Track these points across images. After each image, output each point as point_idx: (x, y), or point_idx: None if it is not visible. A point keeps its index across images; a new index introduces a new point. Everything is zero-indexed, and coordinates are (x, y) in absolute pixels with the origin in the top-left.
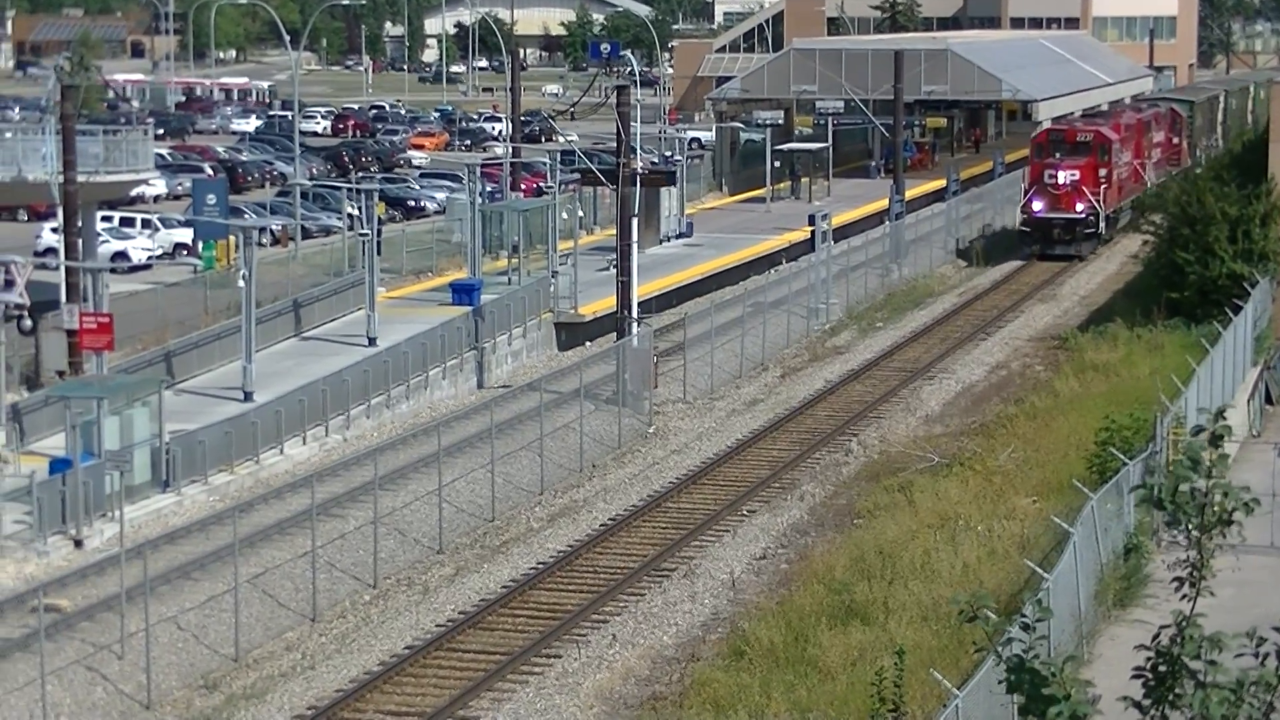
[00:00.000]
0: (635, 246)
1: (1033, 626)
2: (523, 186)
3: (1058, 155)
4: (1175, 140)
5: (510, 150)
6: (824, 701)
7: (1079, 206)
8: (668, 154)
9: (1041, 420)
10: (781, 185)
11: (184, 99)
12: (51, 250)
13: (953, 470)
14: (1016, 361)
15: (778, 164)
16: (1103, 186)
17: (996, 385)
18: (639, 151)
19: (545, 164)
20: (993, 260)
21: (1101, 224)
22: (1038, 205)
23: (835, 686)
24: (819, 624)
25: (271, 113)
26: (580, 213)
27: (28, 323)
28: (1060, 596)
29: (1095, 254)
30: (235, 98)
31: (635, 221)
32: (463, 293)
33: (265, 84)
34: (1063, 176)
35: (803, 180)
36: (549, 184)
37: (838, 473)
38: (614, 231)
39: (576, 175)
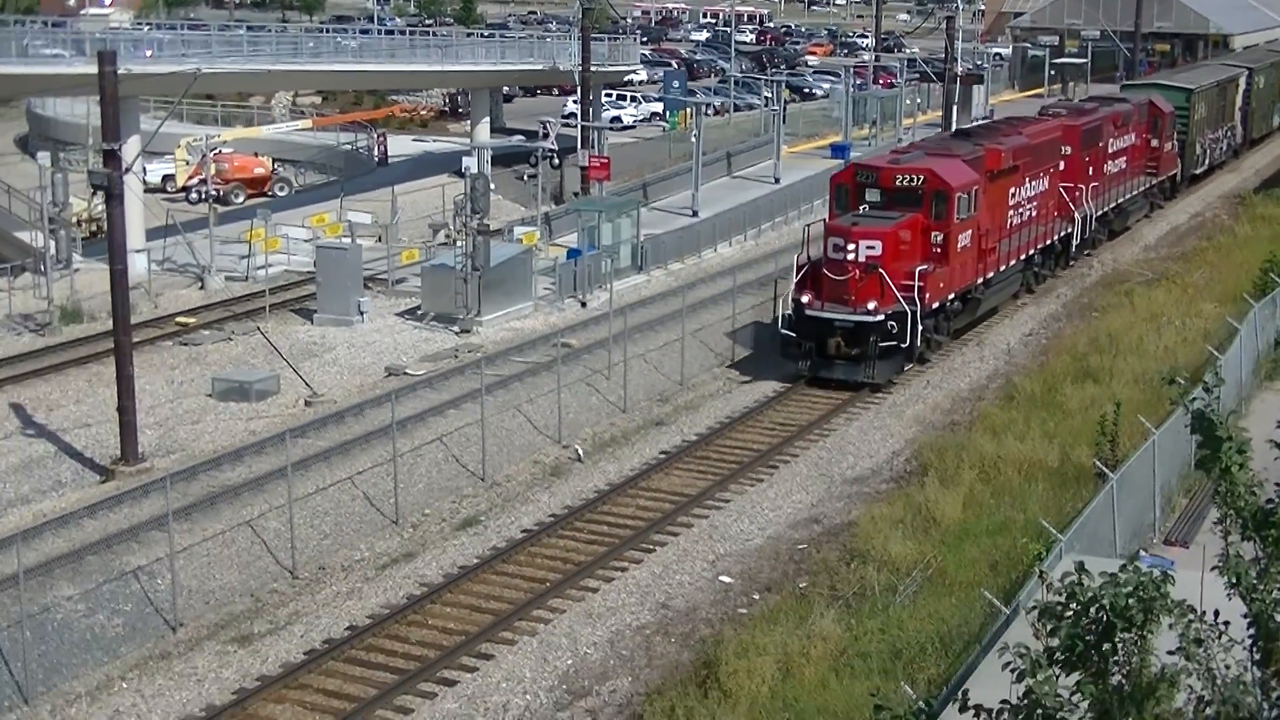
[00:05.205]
0: (955, 124)
1: (1211, 389)
2: (880, 81)
3: (863, 209)
4: (1155, 143)
5: (873, 56)
6: (1065, 432)
7: (871, 304)
8: (978, 63)
9: (1224, 252)
10: (1054, 86)
11: (662, 17)
12: (572, 115)
13: (1160, 283)
14: (1209, 211)
15: (1052, 72)
16: (925, 265)
17: (1194, 227)
18: (959, 60)
19: (896, 67)
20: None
21: (914, 331)
22: (808, 296)
23: (1073, 423)
24: (1065, 381)
25: (718, 27)
26: (918, 100)
27: (556, 161)
28: (1229, 371)
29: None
30: (746, 20)
31: (955, 108)
32: (838, 150)
33: (765, 10)
34: (854, 249)
35: (1069, 84)
36: (898, 80)
37: (1083, 281)
38: (940, 114)
39: (916, 75)
